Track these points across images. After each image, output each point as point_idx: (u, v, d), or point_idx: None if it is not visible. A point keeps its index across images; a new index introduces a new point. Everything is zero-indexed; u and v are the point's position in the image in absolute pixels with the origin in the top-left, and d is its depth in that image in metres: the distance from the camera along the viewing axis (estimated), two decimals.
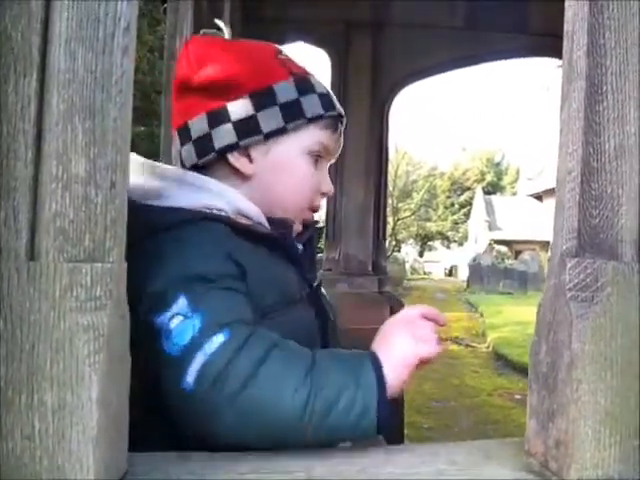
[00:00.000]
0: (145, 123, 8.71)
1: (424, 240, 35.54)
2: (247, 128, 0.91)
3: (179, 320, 0.71)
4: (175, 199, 0.84)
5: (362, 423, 0.73)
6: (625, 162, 0.65)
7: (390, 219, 25.92)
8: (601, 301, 0.64)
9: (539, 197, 27.79)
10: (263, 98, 0.91)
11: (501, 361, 7.67)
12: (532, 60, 4.58)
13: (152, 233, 0.80)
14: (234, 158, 0.92)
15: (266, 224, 0.90)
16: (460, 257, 29.29)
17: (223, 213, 0.85)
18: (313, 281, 0.98)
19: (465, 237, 34.29)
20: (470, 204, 34.21)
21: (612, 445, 0.62)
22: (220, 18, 2.52)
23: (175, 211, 0.82)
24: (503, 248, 22.95)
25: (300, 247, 0.97)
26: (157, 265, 0.76)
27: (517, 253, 22.96)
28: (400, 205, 26.62)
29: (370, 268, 4.52)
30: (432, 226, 34.59)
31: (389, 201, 26.05)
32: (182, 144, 0.94)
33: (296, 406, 0.70)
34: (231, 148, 0.92)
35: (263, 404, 0.69)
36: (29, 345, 0.59)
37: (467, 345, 8.99)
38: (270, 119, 0.91)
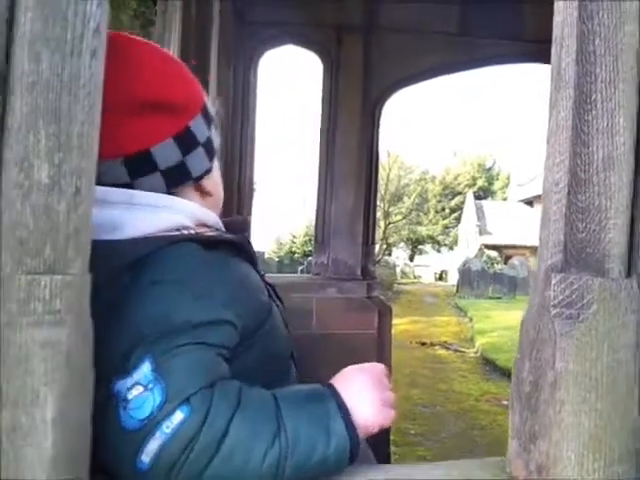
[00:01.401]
0: None
1: (415, 244, 35.61)
2: (211, 149, 0.89)
3: (139, 391, 0.65)
4: (132, 227, 0.75)
5: (337, 468, 0.72)
6: (614, 173, 0.62)
7: (381, 223, 25.95)
8: (587, 319, 0.62)
9: (530, 202, 27.95)
10: (207, 115, 0.88)
11: (489, 366, 7.67)
12: (526, 66, 4.57)
13: (113, 277, 0.71)
14: (205, 182, 0.89)
15: (223, 228, 0.88)
16: (450, 261, 29.37)
17: (191, 231, 0.80)
18: (262, 274, 0.95)
19: (456, 241, 34.41)
20: (461, 209, 34.31)
21: (596, 470, 0.60)
22: (209, 20, 2.48)
23: (135, 244, 0.74)
24: (493, 253, 23.02)
25: None
26: (121, 318, 0.69)
27: (507, 258, 23.04)
28: (391, 209, 26.65)
29: (359, 273, 4.49)
30: (423, 230, 34.67)
31: (380, 205, 26.13)
32: (137, 175, 0.79)
33: (266, 473, 0.67)
34: (206, 173, 0.88)
35: (231, 476, 0.66)
36: None
37: (456, 350, 8.98)
38: (215, 135, 0.91)
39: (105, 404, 0.65)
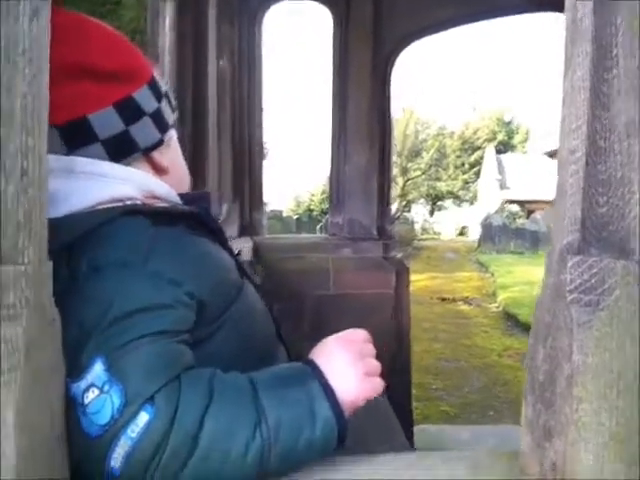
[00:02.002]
0: None
1: (434, 200, 35.16)
2: (161, 121, 0.83)
3: (94, 395, 0.59)
4: (71, 200, 0.68)
5: (325, 451, 0.68)
6: (638, 141, 0.53)
7: (399, 179, 25.64)
8: (608, 306, 0.54)
9: (552, 155, 27.25)
10: (155, 88, 0.83)
11: (511, 321, 7.62)
12: (543, 15, 4.34)
13: (56, 257, 0.62)
14: (157, 155, 0.83)
15: (179, 201, 0.82)
16: (471, 217, 28.99)
17: (137, 202, 0.73)
18: (233, 251, 0.90)
19: (476, 197, 33.86)
20: (480, 163, 33.61)
21: (616, 472, 0.53)
22: None
23: (72, 222, 0.67)
24: (515, 207, 22.65)
25: None
26: (65, 312, 0.60)
27: (529, 212, 22.66)
28: (409, 165, 26.22)
29: (375, 232, 4.42)
30: (442, 186, 34.12)
31: (397, 161, 25.73)
32: (76, 145, 0.73)
33: (250, 465, 0.62)
34: (156, 145, 0.82)
35: (212, 472, 0.61)
36: None
37: (477, 305, 8.94)
38: (166, 110, 0.86)
39: (68, 407, 0.60)
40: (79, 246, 0.66)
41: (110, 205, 0.70)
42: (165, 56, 2.25)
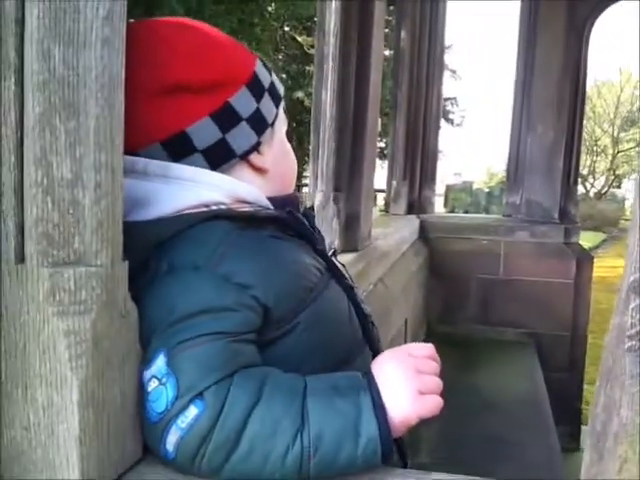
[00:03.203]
0: None
1: None
2: (259, 122, 0.82)
3: (155, 385, 0.66)
4: (164, 203, 0.74)
5: (367, 467, 0.68)
6: None
7: (610, 150, 22.98)
8: None
9: None
10: (255, 86, 0.82)
11: None
12: None
13: (142, 262, 0.71)
14: (255, 158, 0.83)
15: (269, 205, 0.81)
16: None
17: (222, 207, 0.75)
18: (326, 252, 0.87)
19: None
20: None
21: None
22: None
23: (161, 224, 0.72)
24: None
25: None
26: (142, 306, 0.69)
27: None
28: (622, 135, 23.31)
29: (556, 215, 4.07)
30: None
31: (609, 130, 22.99)
32: (178, 158, 0.78)
33: (289, 471, 0.64)
34: (253, 149, 0.82)
35: (252, 472, 0.65)
36: (22, 343, 0.61)
37: None
38: (268, 106, 0.84)
39: (140, 392, 0.68)
40: (164, 248, 0.72)
41: (197, 210, 0.74)
42: (330, 38, 2.30)
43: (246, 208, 0.78)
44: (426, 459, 2.41)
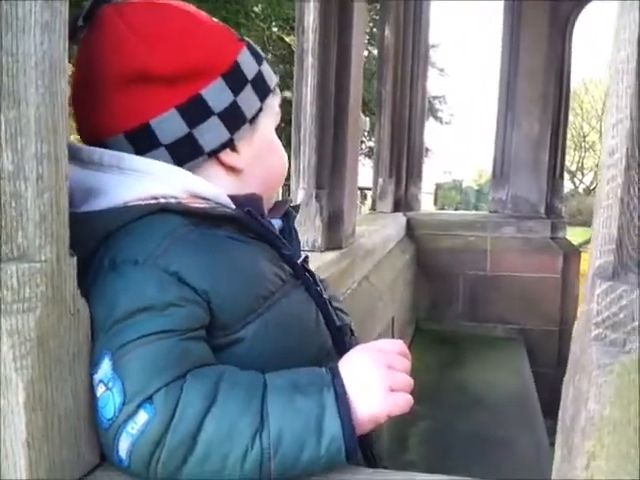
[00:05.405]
0: None
1: None
2: (234, 118, 0.76)
3: (102, 390, 0.63)
4: (114, 194, 0.70)
5: (331, 466, 0.65)
6: None
7: (598, 146, 23.10)
8: (635, 349, 0.44)
9: None
10: (235, 77, 0.76)
11: None
12: None
13: (89, 255, 0.67)
14: (226, 155, 0.77)
15: (230, 204, 0.75)
16: None
17: (172, 200, 0.70)
18: (296, 258, 0.82)
19: None
20: None
21: None
22: None
23: (107, 215, 0.68)
24: None
25: (279, 223, 0.83)
26: (90, 300, 0.65)
27: None
28: None
29: (542, 210, 4.07)
30: None
31: (598, 126, 23.10)
32: (142, 151, 0.73)
33: (249, 473, 0.61)
34: (224, 146, 0.77)
35: (211, 475, 0.62)
36: None
37: None
38: (249, 100, 0.78)
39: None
40: (109, 242, 0.68)
41: (145, 202, 0.70)
42: (309, 34, 2.27)
43: (197, 204, 0.72)
44: (414, 456, 2.39)
